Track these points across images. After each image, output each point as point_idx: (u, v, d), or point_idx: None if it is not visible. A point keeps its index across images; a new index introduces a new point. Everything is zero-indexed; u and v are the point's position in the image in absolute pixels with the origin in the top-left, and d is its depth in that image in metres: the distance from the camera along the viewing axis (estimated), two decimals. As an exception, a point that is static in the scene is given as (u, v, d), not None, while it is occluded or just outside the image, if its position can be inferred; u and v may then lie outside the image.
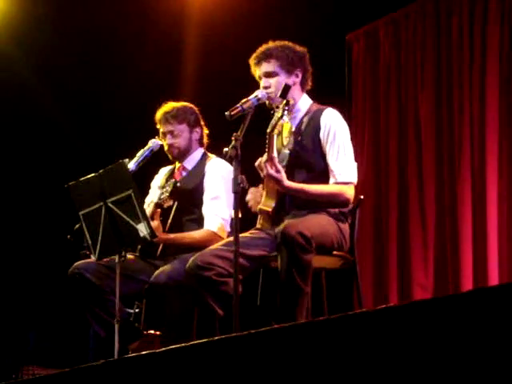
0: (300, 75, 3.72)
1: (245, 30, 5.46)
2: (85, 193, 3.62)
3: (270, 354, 2.21)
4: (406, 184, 5.25)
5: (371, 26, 5.55)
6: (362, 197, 3.68)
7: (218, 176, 4.03)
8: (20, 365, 5.57)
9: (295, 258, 3.29)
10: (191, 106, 4.20)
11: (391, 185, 5.32)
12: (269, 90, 3.63)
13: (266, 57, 3.68)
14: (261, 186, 3.67)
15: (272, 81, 3.65)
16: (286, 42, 3.73)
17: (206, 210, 3.98)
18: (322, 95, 3.81)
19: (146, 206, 3.84)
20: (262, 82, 3.67)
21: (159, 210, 3.84)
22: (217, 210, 3.95)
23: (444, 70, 5.15)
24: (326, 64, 3.88)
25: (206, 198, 4.01)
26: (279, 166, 3.42)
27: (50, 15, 5.65)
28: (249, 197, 3.69)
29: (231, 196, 3.94)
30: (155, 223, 3.77)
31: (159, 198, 3.85)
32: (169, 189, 3.84)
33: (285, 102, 3.43)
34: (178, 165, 4.19)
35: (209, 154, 4.17)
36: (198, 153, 4.16)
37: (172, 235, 3.91)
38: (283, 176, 3.42)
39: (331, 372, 2.07)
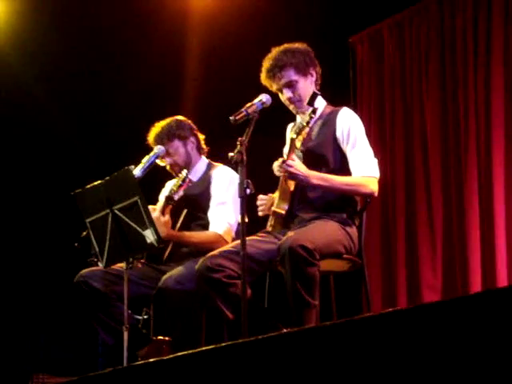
0: (314, 73, 3.71)
1: (247, 34, 5.46)
2: (91, 200, 3.61)
3: (278, 359, 2.20)
4: (413, 185, 5.24)
5: (375, 28, 5.55)
6: (368, 199, 3.66)
7: (225, 182, 4.03)
8: (31, 373, 5.58)
9: (299, 272, 3.25)
10: (177, 118, 4.19)
11: (398, 186, 5.31)
12: (295, 100, 3.62)
13: (280, 68, 3.62)
14: (270, 194, 3.64)
15: (294, 89, 3.63)
16: (287, 45, 3.69)
17: (213, 214, 3.99)
18: (327, 98, 3.80)
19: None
20: (285, 93, 3.63)
21: (170, 205, 3.83)
22: (223, 215, 3.95)
23: (449, 71, 5.13)
24: (330, 67, 3.85)
25: (212, 203, 4.02)
26: (297, 160, 3.43)
27: (54, 24, 5.66)
28: (261, 202, 3.64)
29: (238, 202, 3.95)
30: (165, 218, 3.78)
31: (170, 192, 3.83)
32: (180, 181, 3.82)
33: (311, 109, 3.43)
34: None
35: (214, 163, 4.17)
36: (201, 164, 4.17)
37: (180, 232, 3.92)
38: (303, 167, 3.41)
39: (340, 377, 2.06)
